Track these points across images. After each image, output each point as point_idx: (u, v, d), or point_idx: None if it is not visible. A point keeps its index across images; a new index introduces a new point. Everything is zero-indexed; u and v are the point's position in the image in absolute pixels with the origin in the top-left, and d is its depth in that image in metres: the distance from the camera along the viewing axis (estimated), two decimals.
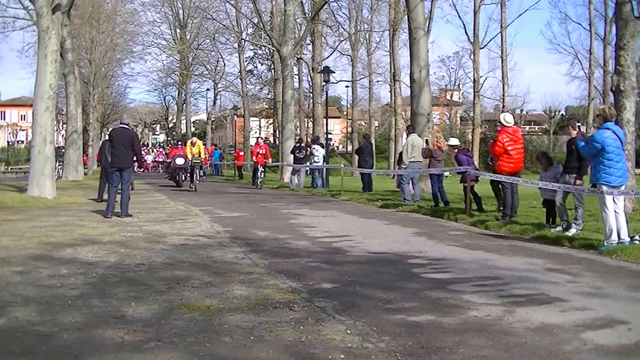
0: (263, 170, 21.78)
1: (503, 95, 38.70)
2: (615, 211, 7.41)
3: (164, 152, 39.94)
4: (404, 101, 35.26)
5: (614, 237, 7.33)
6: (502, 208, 10.70)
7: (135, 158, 11.35)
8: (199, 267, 6.08)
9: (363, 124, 51.93)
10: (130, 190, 11.63)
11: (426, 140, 14.36)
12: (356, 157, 26.85)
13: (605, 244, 7.34)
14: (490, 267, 6.34)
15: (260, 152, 21.97)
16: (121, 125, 11.42)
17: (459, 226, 10.24)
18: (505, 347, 3.70)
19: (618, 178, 7.42)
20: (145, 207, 12.64)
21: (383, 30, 38.50)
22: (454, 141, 13.09)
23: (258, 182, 21.36)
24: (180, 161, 20.25)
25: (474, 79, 37.51)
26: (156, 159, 40.29)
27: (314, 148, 20.82)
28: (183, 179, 20.15)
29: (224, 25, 38.73)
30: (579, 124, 9.88)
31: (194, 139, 21.51)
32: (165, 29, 46.98)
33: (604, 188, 7.38)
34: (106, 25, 36.01)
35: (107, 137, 14.65)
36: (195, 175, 18.92)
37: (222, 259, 6.57)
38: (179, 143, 26.40)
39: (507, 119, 10.42)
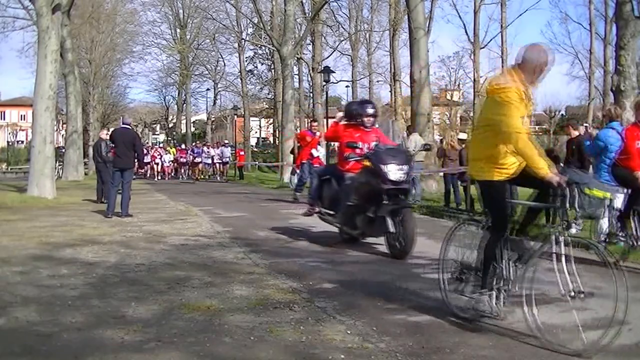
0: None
1: None
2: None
3: (188, 151, 31.43)
4: (404, 101, 35.22)
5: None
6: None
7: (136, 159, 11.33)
8: (199, 267, 6.08)
9: None
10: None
11: (441, 139, 14.61)
12: None
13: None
14: None
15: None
16: (123, 126, 11.46)
17: None
18: (505, 347, 3.70)
19: None
20: (145, 207, 12.63)
21: (383, 30, 38.47)
22: (463, 135, 13.26)
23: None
24: (397, 173, 6.88)
25: (474, 79, 37.48)
26: (179, 160, 31.75)
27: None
28: (390, 228, 6.80)
29: (224, 25, 38.74)
30: (586, 125, 9.91)
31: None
32: (165, 29, 47.04)
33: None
34: (106, 25, 36.03)
35: (100, 138, 14.66)
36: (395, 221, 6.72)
37: (222, 259, 6.57)
38: (371, 111, 7.80)
39: None
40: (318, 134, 14.39)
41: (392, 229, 6.75)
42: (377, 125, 7.89)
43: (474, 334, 3.93)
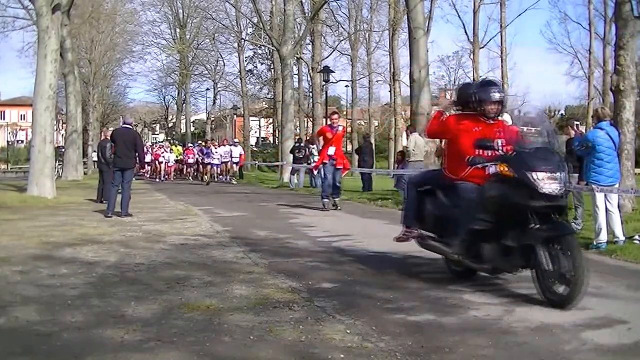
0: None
1: None
2: (609, 210, 7.48)
3: (197, 150, 28.95)
4: (404, 101, 35.24)
5: (603, 236, 7.40)
6: None
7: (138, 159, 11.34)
8: (199, 267, 6.08)
9: (363, 124, 51.93)
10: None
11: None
12: (356, 157, 26.89)
13: (595, 242, 7.42)
14: None
15: None
16: (124, 126, 11.48)
17: None
18: (505, 347, 3.70)
19: (608, 178, 7.50)
20: (145, 207, 12.63)
21: (383, 30, 38.48)
22: None
23: None
24: (552, 184, 4.83)
25: (474, 79, 37.45)
26: (187, 160, 29.23)
27: (313, 148, 20.83)
28: None
29: (224, 25, 38.75)
30: (577, 123, 9.95)
31: None
32: (165, 29, 47.09)
33: (594, 187, 7.47)
34: (106, 25, 35.98)
35: (105, 139, 14.50)
36: None
37: (222, 259, 6.57)
38: (497, 97, 5.54)
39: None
40: (341, 128, 12.59)
41: (547, 265, 4.68)
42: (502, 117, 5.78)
43: (474, 334, 3.94)
